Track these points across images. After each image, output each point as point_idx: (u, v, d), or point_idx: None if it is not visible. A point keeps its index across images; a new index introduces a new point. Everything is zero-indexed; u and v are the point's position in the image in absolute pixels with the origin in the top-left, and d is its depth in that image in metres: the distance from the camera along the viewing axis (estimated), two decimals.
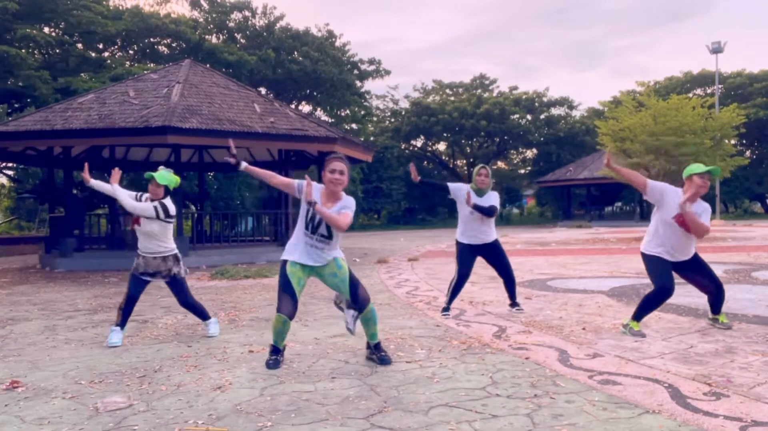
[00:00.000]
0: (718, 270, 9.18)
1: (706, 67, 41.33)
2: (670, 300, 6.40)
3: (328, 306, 6.74)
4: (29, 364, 4.45)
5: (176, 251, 5.30)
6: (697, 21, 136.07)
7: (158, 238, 5.16)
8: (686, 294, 6.95)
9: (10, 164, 23.77)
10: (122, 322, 5.12)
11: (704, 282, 5.01)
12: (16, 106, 23.81)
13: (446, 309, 6.06)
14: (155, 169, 5.37)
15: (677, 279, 4.91)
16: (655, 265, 4.92)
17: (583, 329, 5.19)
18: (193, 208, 22.60)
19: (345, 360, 4.34)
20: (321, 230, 4.12)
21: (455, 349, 4.57)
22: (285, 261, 4.19)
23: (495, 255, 6.06)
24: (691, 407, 3.15)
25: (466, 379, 3.77)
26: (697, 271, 5.00)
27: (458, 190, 5.97)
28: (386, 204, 39.01)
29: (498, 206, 5.96)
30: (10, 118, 16.37)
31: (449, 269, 10.70)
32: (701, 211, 4.81)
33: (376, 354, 4.27)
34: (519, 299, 6.38)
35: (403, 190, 38.67)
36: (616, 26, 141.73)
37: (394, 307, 6.64)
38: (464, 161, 44.64)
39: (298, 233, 4.21)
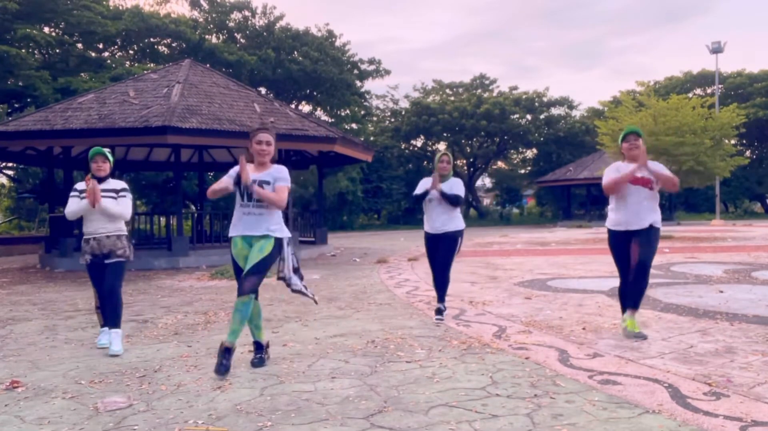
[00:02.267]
0: (718, 271, 9.18)
1: (706, 67, 41.35)
2: (670, 300, 6.44)
3: (327, 306, 6.75)
4: (29, 364, 4.45)
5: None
6: (697, 21, 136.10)
7: (106, 217, 5.00)
8: (686, 294, 6.95)
9: (10, 164, 23.76)
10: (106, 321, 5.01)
11: (634, 254, 4.76)
12: (16, 106, 23.79)
13: (440, 311, 5.84)
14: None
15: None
16: (611, 248, 5.03)
17: (583, 329, 5.20)
18: (193, 207, 22.59)
19: (345, 360, 4.34)
20: (255, 196, 4.17)
21: (455, 349, 4.58)
22: (230, 240, 4.26)
23: (437, 247, 5.87)
24: (691, 407, 3.15)
25: (466, 379, 3.77)
26: (642, 244, 4.75)
27: (424, 185, 5.88)
28: (386, 204, 39.00)
29: (462, 194, 5.85)
30: (10, 118, 16.35)
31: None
32: (652, 170, 4.79)
33: (255, 354, 4.31)
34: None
35: (403, 190, 38.62)
36: (616, 26, 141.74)
37: (394, 307, 6.64)
38: (464, 161, 44.61)
39: (237, 209, 4.25)
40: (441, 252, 5.83)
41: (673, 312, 5.85)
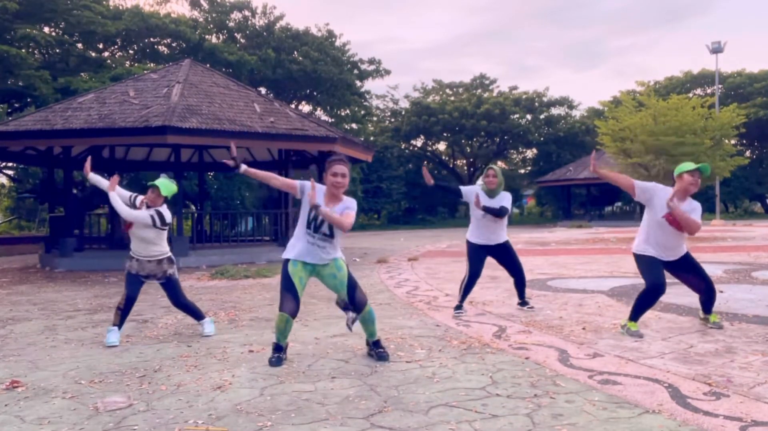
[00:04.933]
0: (718, 271, 9.18)
1: (706, 67, 41.34)
2: (670, 300, 6.43)
3: (328, 306, 6.74)
4: (29, 364, 4.45)
5: (170, 253, 5.35)
6: (697, 21, 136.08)
7: (153, 242, 5.20)
8: (686, 294, 6.93)
9: (10, 164, 23.76)
10: (120, 323, 5.13)
11: (696, 281, 5.01)
12: (16, 105, 23.80)
13: (459, 307, 6.09)
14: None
15: (671, 278, 4.92)
16: (646, 264, 4.93)
17: (583, 329, 5.20)
18: (193, 207, 22.58)
19: (345, 360, 4.34)
20: (323, 229, 4.18)
21: (455, 349, 4.58)
22: (287, 261, 4.26)
23: (506, 255, 6.15)
24: (691, 407, 3.15)
25: (466, 379, 3.77)
26: (689, 270, 4.98)
27: (470, 193, 6.00)
28: (386, 204, 38.99)
29: (509, 207, 6.00)
30: (10, 118, 16.35)
31: (449, 269, 10.70)
32: (690, 209, 4.81)
33: (374, 350, 4.36)
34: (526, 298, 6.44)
35: (403, 190, 38.62)
36: (616, 26, 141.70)
37: (394, 307, 6.64)
38: (464, 161, 44.64)
39: (300, 231, 4.26)
40: (510, 259, 6.19)
41: (673, 312, 5.85)
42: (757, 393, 3.35)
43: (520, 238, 20.72)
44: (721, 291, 7.10)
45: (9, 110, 22.91)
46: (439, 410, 3.21)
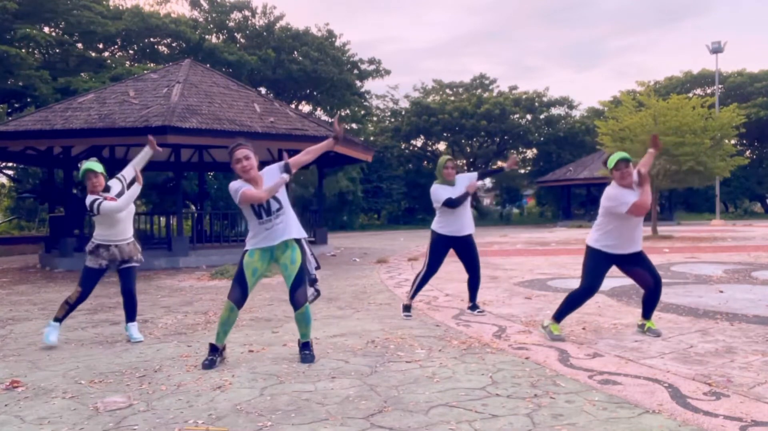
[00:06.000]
0: (718, 271, 9.18)
1: (706, 67, 41.33)
2: (670, 300, 6.44)
3: (327, 306, 6.75)
4: (29, 364, 4.45)
5: None
6: (697, 21, 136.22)
7: (129, 223, 5.15)
8: (686, 294, 6.95)
9: (10, 164, 23.76)
10: (63, 317, 5.06)
11: (646, 276, 4.79)
12: (16, 106, 23.80)
13: (408, 307, 6.01)
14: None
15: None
16: (594, 262, 4.80)
17: (583, 329, 5.20)
18: (193, 207, 22.59)
19: (345, 360, 4.34)
20: (273, 207, 4.21)
21: (455, 349, 4.58)
22: (244, 252, 4.30)
23: (468, 250, 6.00)
24: (691, 407, 3.15)
25: (466, 379, 3.77)
26: (640, 264, 4.78)
27: (441, 195, 5.81)
28: (386, 204, 38.99)
29: (475, 178, 5.95)
30: (10, 118, 16.36)
31: (449, 269, 10.66)
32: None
33: (301, 352, 4.38)
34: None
35: (403, 190, 38.62)
36: (616, 26, 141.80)
37: (395, 307, 6.64)
38: (464, 161, 44.58)
39: (254, 227, 4.27)
40: (471, 254, 6.01)
41: (673, 312, 5.85)
42: (757, 393, 3.35)
43: (520, 238, 20.73)
44: (721, 292, 7.11)
45: (9, 110, 22.92)
46: (439, 410, 3.21)
